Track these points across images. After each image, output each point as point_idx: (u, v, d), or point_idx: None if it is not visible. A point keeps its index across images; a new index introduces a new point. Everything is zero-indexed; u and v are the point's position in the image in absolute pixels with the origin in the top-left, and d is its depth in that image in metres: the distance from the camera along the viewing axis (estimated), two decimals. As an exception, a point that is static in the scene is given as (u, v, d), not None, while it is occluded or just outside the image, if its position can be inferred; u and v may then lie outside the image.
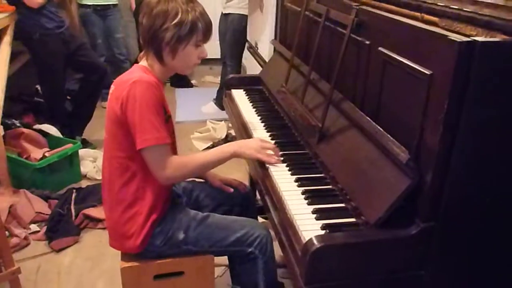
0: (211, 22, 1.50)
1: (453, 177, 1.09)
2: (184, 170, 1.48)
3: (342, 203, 1.35)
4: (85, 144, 3.37)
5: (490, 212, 1.16)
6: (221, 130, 3.66)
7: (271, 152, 1.59)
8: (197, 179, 1.82)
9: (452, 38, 1.00)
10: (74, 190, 2.77)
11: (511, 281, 1.29)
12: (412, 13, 1.33)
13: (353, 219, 1.26)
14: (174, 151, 1.57)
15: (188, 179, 1.72)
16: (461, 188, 1.11)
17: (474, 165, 1.10)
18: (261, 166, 1.60)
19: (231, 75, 2.53)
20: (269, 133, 1.83)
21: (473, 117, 1.04)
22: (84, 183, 2.97)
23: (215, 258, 1.63)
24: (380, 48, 1.32)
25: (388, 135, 1.24)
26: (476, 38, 1.00)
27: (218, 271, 2.14)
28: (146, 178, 1.49)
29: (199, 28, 1.45)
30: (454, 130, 1.05)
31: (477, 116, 1.04)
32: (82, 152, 3.13)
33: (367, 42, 1.41)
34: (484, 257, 1.23)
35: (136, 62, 1.57)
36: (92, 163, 3.13)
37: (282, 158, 1.60)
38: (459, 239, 1.18)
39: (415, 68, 1.14)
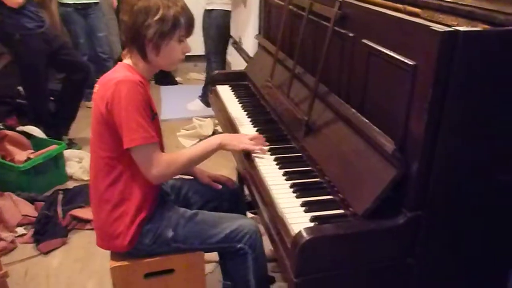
0: (193, 16, 1.50)
1: (438, 166, 1.10)
2: (173, 166, 1.48)
3: (330, 195, 1.36)
4: (70, 144, 3.34)
5: (475, 200, 1.18)
6: (208, 127, 3.66)
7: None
8: (185, 176, 1.82)
9: (435, 29, 1.01)
10: (61, 192, 2.75)
11: (496, 267, 1.32)
12: (395, 5, 1.35)
13: (341, 211, 1.27)
14: (162, 149, 1.57)
15: (176, 177, 1.72)
16: (446, 177, 1.13)
17: (459, 154, 1.11)
18: (248, 161, 1.61)
19: (216, 71, 2.53)
20: (255, 128, 1.84)
21: (457, 105, 1.06)
22: (70, 184, 2.94)
23: (206, 254, 1.63)
24: (364, 40, 1.33)
25: (374, 126, 1.25)
26: (458, 28, 1.01)
27: (208, 267, 2.14)
28: (132, 178, 1.49)
29: (181, 23, 1.45)
30: (438, 120, 1.06)
31: (461, 104, 1.06)
32: (67, 153, 3.10)
33: (351, 35, 1.41)
34: (470, 244, 1.26)
35: (120, 60, 1.56)
36: (78, 164, 3.10)
37: (267, 148, 1.62)
38: (446, 227, 1.20)
39: (399, 59, 1.15)
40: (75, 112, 3.45)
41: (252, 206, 1.71)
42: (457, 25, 1.12)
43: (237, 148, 1.61)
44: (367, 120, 1.29)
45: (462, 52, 1.00)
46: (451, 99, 1.04)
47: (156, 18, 1.40)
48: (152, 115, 1.47)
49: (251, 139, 1.63)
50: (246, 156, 1.63)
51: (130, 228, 1.50)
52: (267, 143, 1.67)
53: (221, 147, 1.57)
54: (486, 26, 1.09)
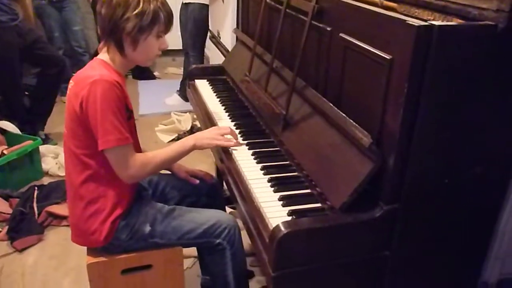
0: (172, 12, 1.48)
1: (414, 160, 1.11)
2: (147, 168, 1.47)
3: (307, 189, 1.36)
4: (46, 140, 3.28)
5: (449, 193, 1.20)
6: (186, 122, 3.63)
7: (230, 137, 1.63)
8: (162, 171, 1.80)
9: (410, 23, 1.02)
10: (36, 188, 2.70)
11: (472, 260, 1.34)
12: (371, -1, 1.35)
13: (319, 205, 1.28)
14: (138, 149, 1.56)
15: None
16: (421, 170, 1.14)
17: (434, 147, 1.13)
18: (226, 155, 1.60)
19: (194, 66, 2.51)
20: (234, 123, 1.83)
21: (432, 100, 1.06)
22: (46, 180, 2.89)
23: (184, 249, 1.62)
24: (341, 34, 1.33)
25: (351, 121, 1.25)
26: (434, 22, 1.02)
27: (187, 262, 2.13)
28: (108, 176, 1.47)
29: (160, 18, 1.43)
30: (414, 114, 1.07)
31: (436, 98, 1.07)
32: (43, 148, 3.04)
33: (328, 29, 1.41)
34: (446, 237, 1.27)
35: (96, 54, 1.53)
36: (53, 159, 3.06)
37: (244, 142, 1.63)
38: (421, 219, 1.22)
39: (375, 53, 1.15)
40: (50, 107, 3.39)
41: (230, 201, 1.71)
42: (433, 19, 1.13)
43: (211, 146, 1.61)
44: (344, 114, 1.29)
45: (437, 46, 1.01)
46: (426, 93, 1.05)
47: (135, 11, 1.38)
48: (128, 115, 1.45)
49: (224, 133, 1.62)
50: (224, 150, 1.62)
51: (105, 224, 1.49)
52: (242, 137, 1.67)
53: (195, 148, 1.56)
54: (461, 21, 1.10)
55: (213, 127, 1.70)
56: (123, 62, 1.47)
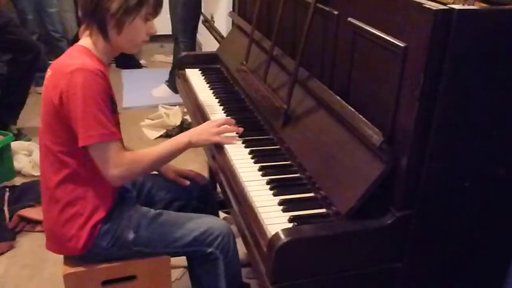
0: None
1: (430, 160, 1.11)
2: (137, 167, 1.46)
3: (310, 192, 1.36)
4: (19, 135, 3.27)
5: (469, 198, 1.19)
6: (175, 116, 3.63)
7: (229, 134, 1.63)
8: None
9: (428, 6, 1.01)
10: (8, 189, 2.69)
11: (491, 270, 1.34)
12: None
13: (323, 210, 1.28)
14: (121, 145, 1.55)
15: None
16: (439, 172, 1.14)
17: (453, 146, 1.12)
18: (220, 154, 1.60)
19: (184, 53, 2.51)
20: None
21: (451, 92, 1.06)
22: (18, 181, 2.89)
23: (172, 259, 1.61)
24: (349, 19, 1.33)
25: (360, 116, 1.25)
26: (453, 6, 1.01)
27: (175, 273, 2.12)
28: (88, 177, 1.47)
29: (149, 0, 1.42)
30: (431, 107, 1.07)
31: (455, 90, 1.06)
32: (15, 145, 3.03)
33: (335, 13, 1.41)
34: (464, 247, 1.27)
35: (76, 39, 1.52)
36: (27, 157, 3.05)
37: (240, 139, 1.63)
38: (438, 228, 1.21)
39: (388, 40, 1.15)
40: (23, 99, 3.37)
41: (224, 205, 1.71)
42: (453, 2, 1.12)
43: (208, 143, 1.61)
44: (352, 109, 1.29)
45: (457, 32, 1.00)
46: (445, 85, 1.05)
47: None
48: (113, 108, 1.45)
49: (221, 124, 1.62)
50: (217, 149, 1.62)
51: (83, 229, 1.48)
52: (239, 134, 1.66)
53: (190, 145, 1.56)
54: (483, 4, 1.09)
55: (209, 121, 1.69)
56: (107, 48, 1.47)
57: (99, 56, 1.46)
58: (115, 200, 1.57)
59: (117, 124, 1.51)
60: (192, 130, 1.63)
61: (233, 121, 1.67)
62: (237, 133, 1.66)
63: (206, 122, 1.67)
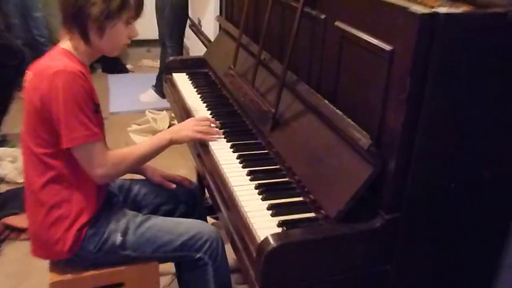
0: None
1: (417, 163, 1.12)
2: (121, 166, 1.49)
3: (299, 196, 1.37)
4: (3, 142, 3.25)
5: (456, 199, 1.21)
6: (163, 121, 3.62)
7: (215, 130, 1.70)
8: (135, 176, 1.80)
9: (413, 11, 1.02)
10: (-9, 197, 2.67)
11: (479, 271, 1.36)
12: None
13: (312, 214, 1.28)
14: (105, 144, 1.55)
15: (125, 176, 1.70)
16: (426, 174, 1.15)
17: (439, 149, 1.14)
18: (207, 158, 1.60)
19: (171, 57, 2.51)
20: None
21: (438, 95, 1.08)
22: (3, 188, 2.86)
23: (160, 265, 1.61)
24: (336, 23, 1.34)
25: (348, 119, 1.26)
26: (438, 10, 1.03)
27: (164, 280, 2.12)
28: (73, 178, 1.47)
29: (130, 3, 1.43)
30: (417, 111, 1.08)
31: (441, 93, 1.08)
32: (-1, 151, 3.02)
33: (322, 17, 1.42)
34: (453, 249, 1.29)
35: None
36: (11, 164, 3.02)
37: (228, 144, 1.65)
38: (426, 229, 1.23)
39: (375, 44, 1.16)
40: (7, 105, 3.34)
41: (213, 211, 1.71)
42: (440, 5, 1.14)
43: (189, 139, 1.65)
44: (340, 112, 1.30)
45: (443, 36, 1.02)
46: (431, 88, 1.06)
47: None
48: (94, 108, 1.45)
49: (201, 121, 1.68)
50: (204, 150, 1.63)
51: (69, 232, 1.48)
52: (226, 138, 1.69)
53: (173, 142, 1.59)
54: (469, 8, 1.11)
55: (190, 118, 1.74)
56: (88, 51, 1.47)
57: (80, 58, 1.47)
58: (102, 203, 1.58)
59: (100, 124, 1.52)
60: (173, 127, 1.67)
61: (213, 120, 1.74)
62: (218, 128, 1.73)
63: (187, 120, 1.72)
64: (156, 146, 1.57)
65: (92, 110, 1.42)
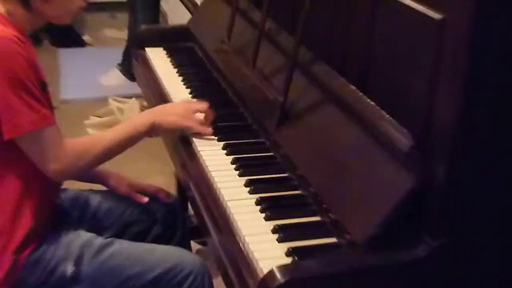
0: None
1: (476, 171, 1.12)
2: (84, 158, 1.50)
3: (316, 215, 1.36)
4: None
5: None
6: (131, 112, 3.63)
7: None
8: (94, 186, 1.80)
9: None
10: None
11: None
12: None
13: (332, 239, 1.28)
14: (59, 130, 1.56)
15: (81, 187, 1.70)
16: (488, 186, 1.15)
17: (508, 151, 1.13)
18: (192, 162, 1.60)
19: (143, 27, 2.52)
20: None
21: (502, 79, 1.07)
22: None
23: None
24: (367, -18, 1.34)
25: (382, 111, 1.26)
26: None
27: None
28: (10, 184, 1.48)
29: None
30: (477, 100, 1.07)
31: (507, 77, 1.07)
32: None
33: (348, -27, 1.43)
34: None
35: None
36: None
37: (220, 144, 1.65)
38: (485, 260, 1.22)
39: (419, 12, 1.16)
40: None
41: (198, 233, 1.71)
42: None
43: (176, 127, 1.64)
44: (371, 101, 1.30)
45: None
46: (495, 70, 1.06)
47: None
48: (40, 85, 1.45)
49: (196, 107, 1.66)
50: (190, 155, 1.62)
51: (3, 256, 1.47)
52: (218, 135, 1.68)
53: (153, 129, 1.59)
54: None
55: (183, 100, 1.74)
56: (27, 17, 1.48)
57: (16, 24, 1.47)
58: (50, 220, 1.58)
59: (49, 105, 1.52)
60: (157, 108, 1.66)
61: (212, 111, 1.70)
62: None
63: (178, 102, 1.72)
64: (132, 133, 1.56)
65: (37, 87, 1.43)
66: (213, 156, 1.60)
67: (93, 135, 1.56)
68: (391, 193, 1.17)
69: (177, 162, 1.72)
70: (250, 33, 1.87)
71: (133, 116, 3.53)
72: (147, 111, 1.64)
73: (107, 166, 1.69)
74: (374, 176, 1.23)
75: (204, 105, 1.68)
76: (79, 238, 1.58)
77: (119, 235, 1.72)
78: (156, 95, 2.04)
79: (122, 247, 1.59)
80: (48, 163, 1.44)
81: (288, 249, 1.24)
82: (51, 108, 1.51)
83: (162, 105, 1.69)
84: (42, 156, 1.44)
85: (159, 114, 1.62)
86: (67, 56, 4.62)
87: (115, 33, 5.14)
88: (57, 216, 1.63)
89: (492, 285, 1.26)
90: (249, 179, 1.49)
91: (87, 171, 1.60)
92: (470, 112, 1.08)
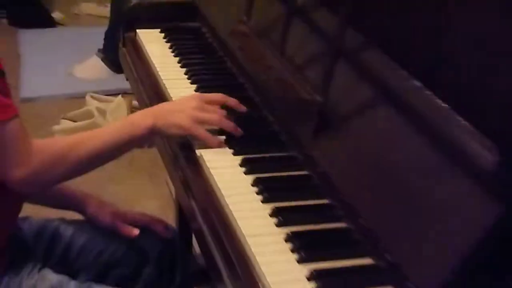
0: None
1: None
2: (61, 163, 1.51)
3: (367, 257, 1.35)
4: None
5: None
6: (116, 113, 3.63)
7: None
8: (66, 212, 1.80)
9: None
10: None
11: None
12: None
13: (390, 288, 1.27)
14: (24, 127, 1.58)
15: (50, 217, 1.71)
16: None
17: None
18: (198, 181, 1.59)
19: (134, 1, 2.53)
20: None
21: None
22: None
23: None
24: None
25: (458, 116, 1.25)
26: None
27: None
28: None
29: None
30: None
31: None
32: None
33: None
34: None
35: None
36: None
37: (238, 158, 1.65)
38: None
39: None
40: None
41: (206, 279, 1.71)
42: None
43: (180, 132, 1.62)
44: (443, 103, 1.29)
45: None
46: None
47: None
48: None
49: (209, 101, 1.65)
50: (194, 173, 1.62)
51: None
52: (233, 148, 1.68)
53: (153, 132, 1.59)
54: None
55: (191, 95, 1.72)
56: None
57: None
58: (5, 257, 1.60)
59: (7, 93, 1.52)
60: (160, 106, 1.67)
61: (232, 100, 1.71)
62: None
63: (188, 96, 1.70)
64: (126, 136, 1.56)
65: None
66: (228, 174, 1.60)
67: (74, 136, 1.54)
68: (470, 225, 1.16)
69: (178, 182, 1.71)
70: (276, 10, 1.87)
71: (121, 118, 3.57)
72: (148, 110, 1.64)
73: (85, 187, 1.69)
74: (447, 202, 1.22)
75: (219, 97, 1.68)
76: (45, 282, 1.59)
77: (99, 278, 1.73)
78: (150, 92, 2.05)
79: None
80: (10, 167, 1.44)
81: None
82: (9, 97, 1.51)
83: (166, 102, 1.69)
84: (2, 158, 1.44)
85: (161, 114, 1.60)
86: (30, 39, 4.66)
87: (95, 9, 5.19)
88: (15, 253, 1.64)
89: None
90: (276, 207, 1.49)
91: (64, 179, 1.59)
92: None
